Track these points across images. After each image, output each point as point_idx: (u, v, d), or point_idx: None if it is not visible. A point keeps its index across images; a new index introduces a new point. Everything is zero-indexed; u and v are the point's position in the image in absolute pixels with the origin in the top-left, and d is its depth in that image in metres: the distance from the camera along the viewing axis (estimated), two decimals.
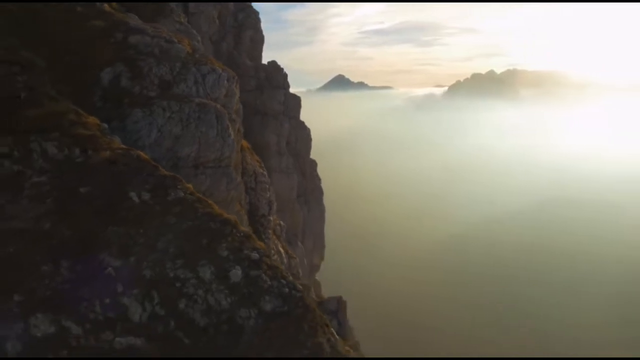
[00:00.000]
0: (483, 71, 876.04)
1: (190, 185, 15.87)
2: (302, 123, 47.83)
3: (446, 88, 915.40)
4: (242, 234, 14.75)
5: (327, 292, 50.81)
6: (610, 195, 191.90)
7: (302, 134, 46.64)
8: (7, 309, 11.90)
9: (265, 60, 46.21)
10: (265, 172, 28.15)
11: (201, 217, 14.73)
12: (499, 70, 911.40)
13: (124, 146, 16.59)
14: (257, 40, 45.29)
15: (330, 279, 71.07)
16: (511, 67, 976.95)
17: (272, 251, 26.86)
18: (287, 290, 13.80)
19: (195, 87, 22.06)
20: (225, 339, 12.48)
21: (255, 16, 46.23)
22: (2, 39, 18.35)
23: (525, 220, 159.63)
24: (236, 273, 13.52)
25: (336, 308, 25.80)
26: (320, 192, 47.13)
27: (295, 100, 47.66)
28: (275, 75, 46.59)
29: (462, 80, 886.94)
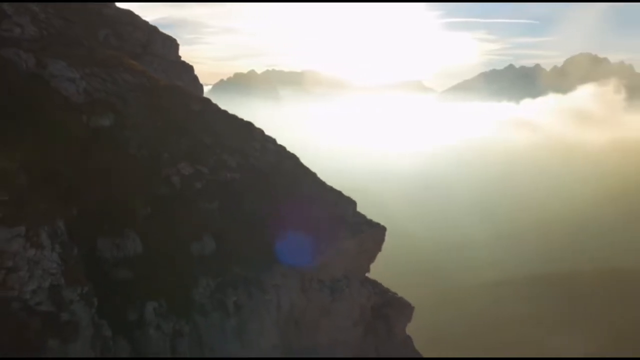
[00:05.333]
0: (245, 70, 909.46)
1: (216, 104, 24.97)
2: None
3: (210, 87, 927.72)
4: (258, 128, 24.61)
5: None
6: (355, 184, 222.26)
7: None
8: (159, 164, 20.27)
9: None
10: None
11: (234, 118, 24.17)
12: (259, 70, 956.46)
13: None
14: None
15: None
16: (270, 68, 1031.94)
17: None
18: (293, 155, 24.21)
19: (161, 49, 30.12)
20: (282, 175, 22.51)
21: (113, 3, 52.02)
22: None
23: None
24: (270, 146, 23.52)
25: None
26: None
27: None
28: None
29: (225, 79, 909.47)
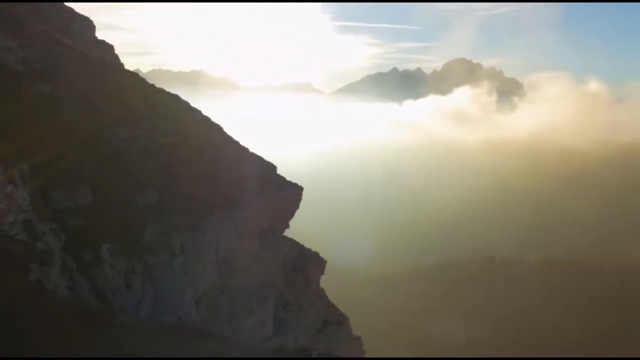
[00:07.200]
0: (129, 70, 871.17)
1: (144, 78, 26.88)
2: None
3: None
4: (184, 100, 26.88)
5: None
6: None
7: None
8: (98, 128, 22.09)
9: None
10: None
11: (162, 91, 26.31)
12: (145, 69, 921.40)
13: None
14: None
15: None
16: (156, 67, 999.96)
17: None
18: (218, 125, 26.78)
19: (81, 29, 31.28)
20: (211, 141, 24.99)
21: None
22: None
23: None
24: (197, 116, 25.92)
25: None
26: None
27: None
28: None
29: None
